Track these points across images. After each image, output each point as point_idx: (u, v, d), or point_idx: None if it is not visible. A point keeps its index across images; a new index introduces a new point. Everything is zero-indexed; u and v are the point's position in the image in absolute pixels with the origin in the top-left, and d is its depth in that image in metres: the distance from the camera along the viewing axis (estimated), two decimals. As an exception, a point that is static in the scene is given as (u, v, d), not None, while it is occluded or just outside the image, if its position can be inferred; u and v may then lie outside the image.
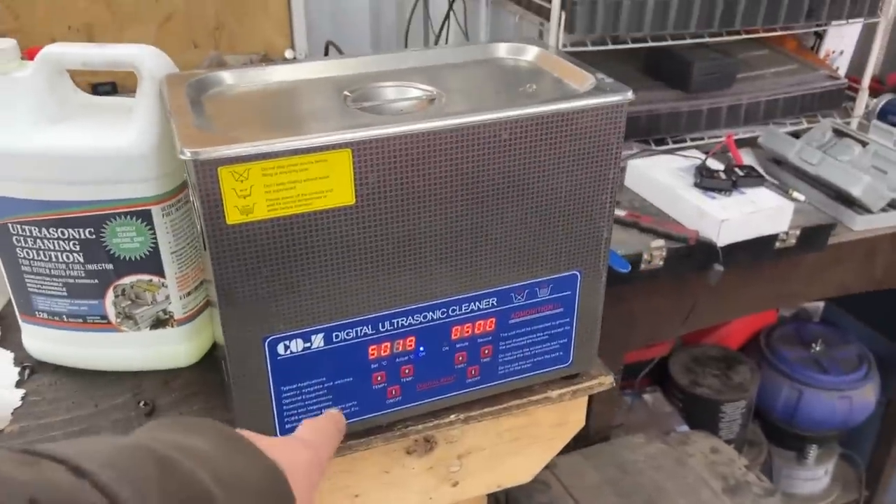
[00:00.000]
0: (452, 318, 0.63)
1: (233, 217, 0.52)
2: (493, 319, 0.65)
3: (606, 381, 0.74)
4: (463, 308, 0.63)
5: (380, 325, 0.61)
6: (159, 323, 0.70)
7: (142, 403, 0.69)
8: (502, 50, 0.71)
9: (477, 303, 0.64)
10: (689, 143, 1.37)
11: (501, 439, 0.76)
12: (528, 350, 0.68)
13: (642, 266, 1.06)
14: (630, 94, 0.59)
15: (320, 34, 1.41)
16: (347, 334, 0.60)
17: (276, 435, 0.62)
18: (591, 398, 0.80)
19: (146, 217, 0.65)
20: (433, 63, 0.69)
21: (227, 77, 0.63)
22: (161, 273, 0.68)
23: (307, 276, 0.56)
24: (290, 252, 0.55)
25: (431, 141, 0.55)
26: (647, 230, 1.09)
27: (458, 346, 0.65)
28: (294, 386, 0.60)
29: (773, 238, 1.13)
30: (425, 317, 0.62)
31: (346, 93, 0.62)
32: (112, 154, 0.62)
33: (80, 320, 0.69)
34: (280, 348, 0.58)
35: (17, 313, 0.71)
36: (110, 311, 0.69)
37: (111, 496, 0.27)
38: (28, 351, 0.73)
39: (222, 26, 1.37)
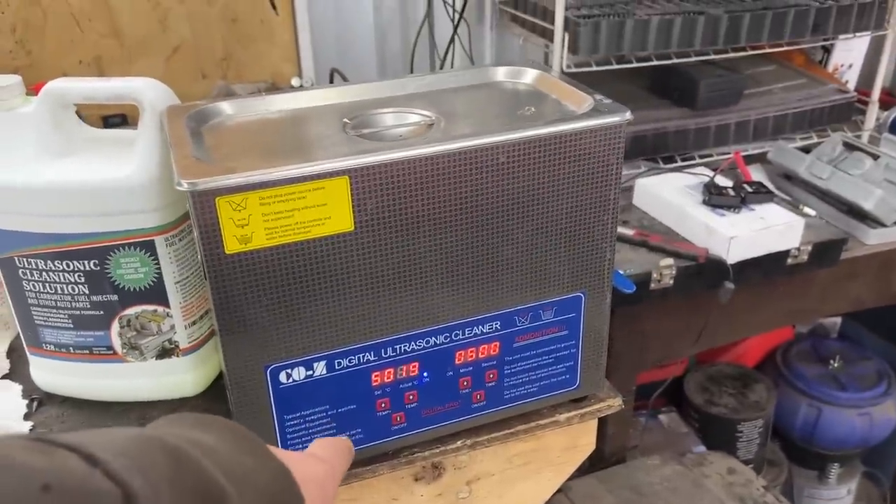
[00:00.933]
0: (456, 343, 0.63)
1: (231, 246, 0.52)
2: (497, 343, 0.65)
3: (615, 403, 0.73)
4: (466, 332, 0.63)
5: (382, 351, 0.61)
6: (165, 353, 0.70)
7: (148, 434, 0.69)
8: (501, 73, 0.71)
9: (480, 327, 0.63)
10: (697, 161, 1.37)
11: (511, 464, 0.75)
12: (533, 373, 0.68)
13: (652, 285, 1.06)
14: (628, 115, 0.59)
15: (326, 61, 1.42)
16: (350, 361, 0.60)
17: (280, 464, 0.61)
18: (604, 420, 0.79)
19: (149, 248, 0.65)
20: (433, 88, 0.70)
21: (227, 107, 0.64)
22: (166, 303, 0.68)
23: (308, 304, 0.56)
24: (290, 280, 0.55)
25: (429, 166, 0.55)
26: (655, 249, 1.09)
27: (462, 370, 0.64)
28: (297, 414, 0.60)
29: (784, 254, 1.12)
30: (428, 342, 0.62)
31: (345, 120, 0.62)
32: (114, 185, 0.62)
33: (87, 351, 0.69)
34: (282, 376, 0.58)
35: (24, 346, 0.72)
36: (116, 342, 0.69)
37: (123, 485, 0.27)
38: (36, 383, 0.74)
39: (230, 56, 1.38)
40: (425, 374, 0.63)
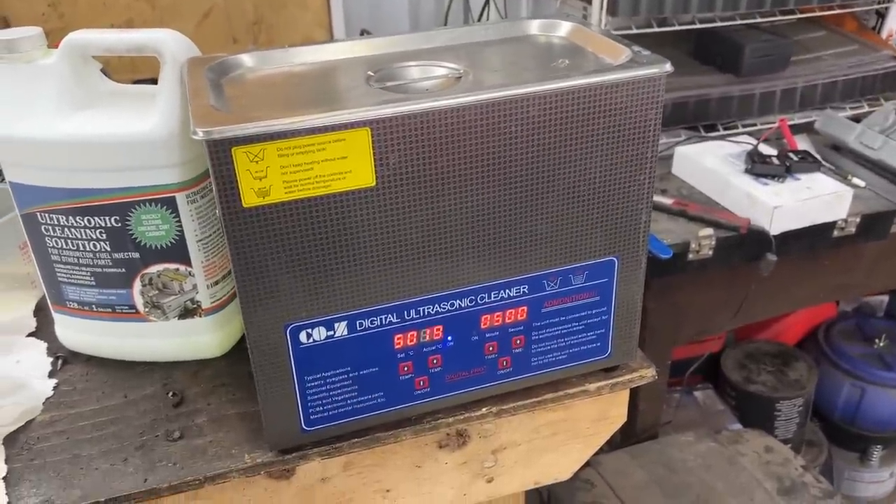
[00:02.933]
0: (481, 307, 0.61)
1: (249, 200, 0.50)
2: (525, 308, 0.62)
3: (648, 373, 0.70)
4: (492, 296, 0.61)
5: (405, 312, 0.59)
6: (187, 313, 0.69)
7: (170, 394, 0.68)
8: (534, 27, 0.68)
9: (507, 290, 0.61)
10: (740, 130, 1.32)
11: (538, 434, 0.73)
12: (562, 340, 0.65)
13: (690, 256, 1.02)
14: (668, 67, 0.56)
15: (358, 25, 1.39)
16: (371, 322, 0.58)
17: (300, 425, 0.60)
18: (637, 394, 0.77)
19: (171, 204, 0.64)
20: (462, 42, 0.67)
21: (249, 60, 0.62)
22: (188, 262, 0.67)
23: (328, 262, 0.54)
24: (310, 236, 0.53)
25: (455, 118, 0.53)
26: (695, 219, 1.05)
27: (487, 335, 0.62)
28: (318, 375, 0.59)
29: (830, 226, 1.07)
30: (452, 305, 0.60)
31: (369, 73, 0.60)
32: (134, 140, 0.61)
33: (109, 310, 0.69)
34: (302, 336, 0.57)
35: (49, 304, 0.72)
36: (138, 301, 0.68)
37: None
38: (61, 341, 0.73)
39: (261, 20, 1.36)
40: (449, 337, 0.61)
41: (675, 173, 1.18)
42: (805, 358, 1.52)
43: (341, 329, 0.57)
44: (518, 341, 0.63)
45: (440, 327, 0.60)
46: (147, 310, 0.68)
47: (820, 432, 1.57)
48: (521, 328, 0.63)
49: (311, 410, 0.60)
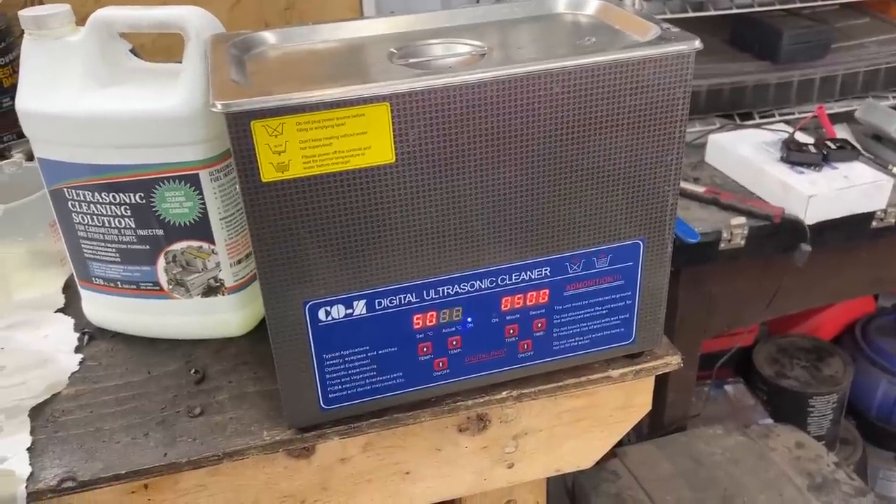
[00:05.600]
0: (502, 288, 0.60)
1: (268, 174, 0.50)
2: (547, 291, 0.61)
3: (673, 361, 0.69)
4: (513, 277, 0.60)
5: (424, 293, 0.58)
6: (210, 291, 0.69)
7: (192, 371, 0.69)
8: (561, 4, 0.66)
9: (528, 272, 0.60)
10: (777, 119, 1.29)
11: (560, 421, 0.72)
12: (585, 325, 0.64)
13: (722, 245, 1.00)
14: (697, 44, 0.54)
15: (389, 9, 1.39)
16: (391, 301, 0.58)
17: (319, 404, 0.60)
18: (666, 385, 0.75)
19: (194, 182, 0.64)
20: (488, 20, 0.66)
21: (272, 37, 0.62)
22: (211, 240, 0.67)
23: (346, 239, 0.54)
24: (328, 212, 0.52)
25: (476, 95, 0.52)
26: (727, 207, 1.02)
27: (508, 318, 0.61)
28: (336, 353, 0.58)
29: (868, 216, 1.04)
30: (472, 286, 0.59)
31: (391, 50, 0.59)
32: (158, 116, 0.61)
33: (134, 286, 0.69)
34: (321, 314, 0.56)
35: (76, 280, 0.72)
36: (162, 278, 0.68)
37: None
38: (87, 317, 0.74)
39: (293, 5, 1.37)
40: (469, 319, 0.60)
41: (709, 161, 1.16)
42: (840, 354, 1.48)
43: (360, 307, 0.57)
44: (539, 324, 0.62)
45: (460, 308, 0.60)
46: (171, 287, 0.69)
47: (854, 430, 1.53)
48: (543, 311, 0.62)
49: (329, 389, 0.60)
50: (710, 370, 1.36)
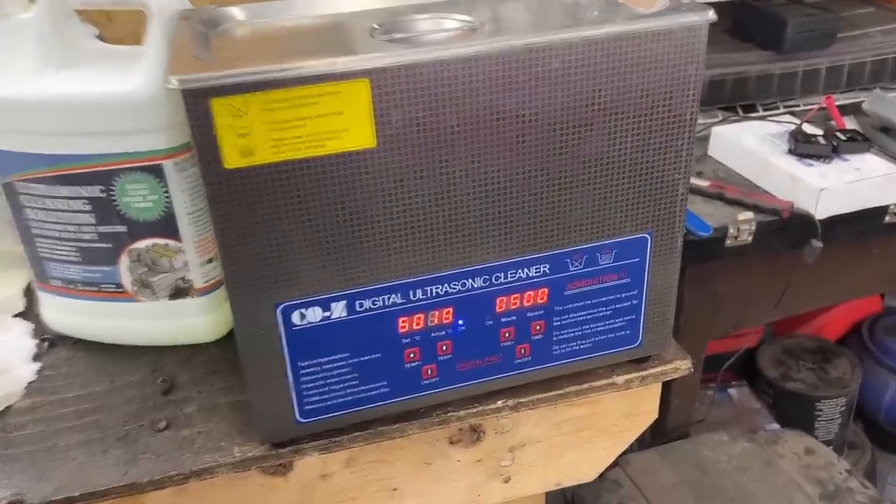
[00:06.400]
0: (497, 288, 0.54)
1: (232, 160, 0.45)
2: (546, 290, 0.56)
3: (683, 366, 0.63)
4: (509, 275, 0.54)
5: (410, 293, 0.52)
6: (178, 293, 0.64)
7: (159, 381, 0.63)
8: (560, -22, 0.61)
9: (525, 269, 0.54)
10: (781, 111, 1.23)
11: (560, 431, 0.67)
12: (587, 327, 0.58)
13: (728, 242, 0.94)
14: (711, 14, 0.49)
15: None
16: (373, 303, 0.52)
17: (294, 417, 0.54)
18: (669, 390, 0.70)
19: (158, 173, 0.58)
20: (479, -5, 0.60)
21: (243, 12, 0.56)
22: (178, 237, 0.61)
23: (322, 233, 0.48)
24: (301, 203, 0.47)
25: (467, 71, 0.46)
26: (733, 202, 0.97)
27: (503, 320, 0.56)
28: (313, 361, 0.53)
29: (881, 211, 0.98)
30: (464, 285, 0.53)
31: (373, 25, 0.53)
32: (117, 100, 0.55)
33: (95, 288, 0.64)
34: (295, 317, 0.51)
35: (34, 282, 0.67)
36: (125, 279, 0.63)
37: None
38: (46, 322, 0.68)
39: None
40: (460, 321, 0.55)
41: (712, 155, 1.11)
42: (848, 355, 1.43)
43: (339, 310, 0.51)
44: (538, 327, 0.57)
45: (450, 310, 0.54)
46: (135, 289, 0.63)
47: (863, 434, 1.48)
48: (542, 312, 0.56)
49: (306, 400, 0.54)
50: (713, 373, 1.30)
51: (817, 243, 0.94)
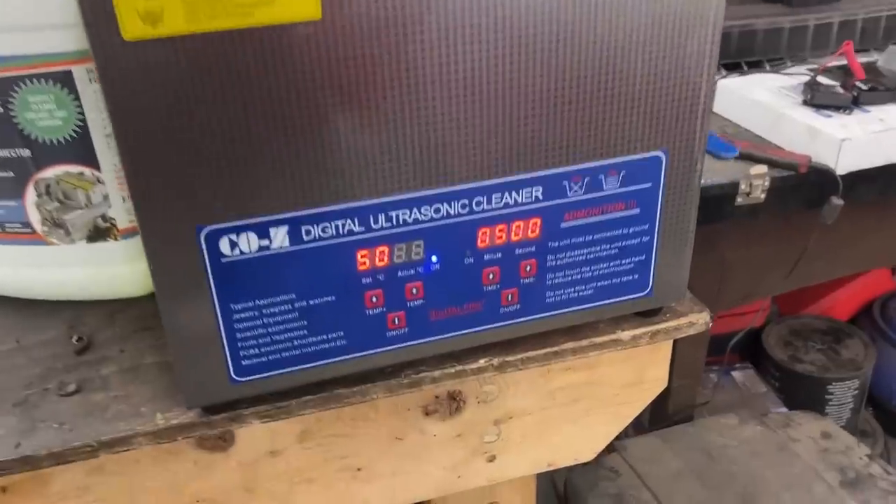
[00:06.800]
0: (478, 216, 0.44)
1: (132, 28, 0.34)
2: (538, 220, 0.46)
3: (700, 319, 0.54)
4: (493, 201, 0.44)
5: (371, 219, 0.42)
6: (98, 234, 0.53)
7: (75, 339, 0.53)
8: None
9: (514, 194, 0.44)
10: (790, 68, 1.14)
11: (553, 401, 0.57)
12: (588, 270, 0.48)
13: (739, 200, 0.85)
14: None
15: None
16: (324, 231, 0.42)
17: (228, 374, 0.44)
18: (671, 368, 0.60)
19: (67, 82, 0.48)
20: None
21: None
22: (95, 164, 0.51)
23: (253, 134, 0.38)
24: (225, 91, 0.37)
25: (437, -78, 0.36)
26: (744, 157, 0.87)
27: (486, 257, 0.46)
28: (249, 304, 0.42)
29: (908, 167, 0.89)
30: (438, 211, 0.43)
31: None
32: (9, -15, 0.45)
33: (-2, 229, 0.53)
34: (224, 245, 0.40)
35: (-70, 224, 0.56)
36: (33, 216, 0.52)
37: None
38: (-55, 273, 0.58)
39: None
40: (434, 258, 0.45)
41: (718, 111, 1.01)
42: (860, 335, 1.34)
43: (280, 238, 0.41)
44: (528, 268, 0.47)
45: (421, 243, 0.44)
46: (46, 229, 0.53)
47: (874, 420, 1.39)
48: (533, 249, 0.46)
49: (242, 354, 0.44)
50: (716, 355, 1.21)
51: (837, 201, 0.84)
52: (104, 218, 0.53)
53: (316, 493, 0.54)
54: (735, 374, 1.29)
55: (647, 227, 0.48)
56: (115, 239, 0.53)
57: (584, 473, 0.96)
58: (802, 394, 1.26)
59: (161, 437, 0.45)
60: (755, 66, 1.14)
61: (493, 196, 0.44)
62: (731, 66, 1.15)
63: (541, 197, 0.45)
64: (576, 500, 0.94)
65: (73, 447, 0.44)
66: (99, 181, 0.51)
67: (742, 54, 1.13)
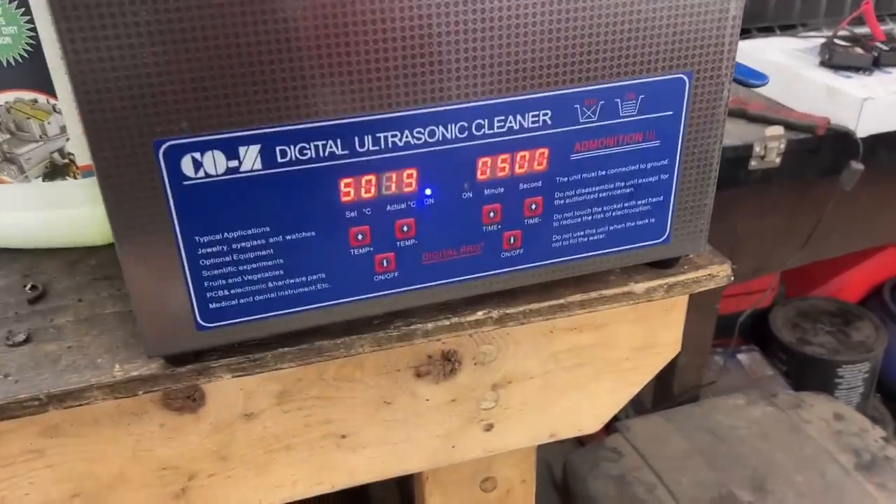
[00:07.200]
0: (478, 142, 0.39)
1: None
2: (545, 151, 0.41)
3: (721, 272, 0.49)
4: (496, 124, 0.39)
5: (356, 140, 0.37)
6: (56, 171, 0.48)
7: (28, 287, 0.47)
8: None
9: (519, 117, 0.39)
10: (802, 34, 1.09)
11: (557, 364, 0.52)
12: (599, 211, 0.43)
13: (753, 164, 0.80)
14: None
15: None
16: (302, 152, 0.37)
17: (194, 319, 0.39)
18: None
19: (15, -8, 0.42)
20: None
21: None
22: (50, 89, 0.45)
23: (218, 28, 0.33)
24: (185, -24, 0.31)
25: None
26: (757, 119, 0.83)
27: (487, 192, 0.41)
28: (217, 237, 0.37)
29: (930, 132, 0.85)
30: (433, 134, 0.38)
31: None
32: None
33: (-57, 164, 0.48)
34: (186, 166, 0.35)
35: None
36: (-18, 150, 0.47)
37: None
38: None
39: None
40: (428, 190, 0.39)
41: (729, 76, 0.96)
42: (871, 317, 1.29)
43: (251, 158, 0.36)
44: (533, 206, 0.42)
45: (413, 171, 0.39)
46: (-4, 165, 0.47)
47: (882, 406, 1.35)
48: (539, 184, 0.41)
49: (209, 296, 0.38)
50: (721, 337, 1.16)
51: (857, 165, 0.80)
52: (62, 153, 0.47)
53: (296, 463, 0.49)
54: (741, 356, 1.24)
55: (666, 162, 0.43)
56: (75, 177, 0.48)
57: (584, 454, 0.92)
58: (811, 377, 1.22)
59: (119, 391, 0.40)
60: (766, 32, 1.09)
61: (496, 119, 0.39)
62: (742, 31, 1.10)
63: (549, 122, 0.40)
64: (575, 481, 0.90)
65: (18, 399, 0.39)
66: (55, 110, 0.46)
67: (753, 20, 1.09)
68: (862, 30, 0.95)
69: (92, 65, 0.32)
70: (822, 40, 0.94)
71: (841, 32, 0.94)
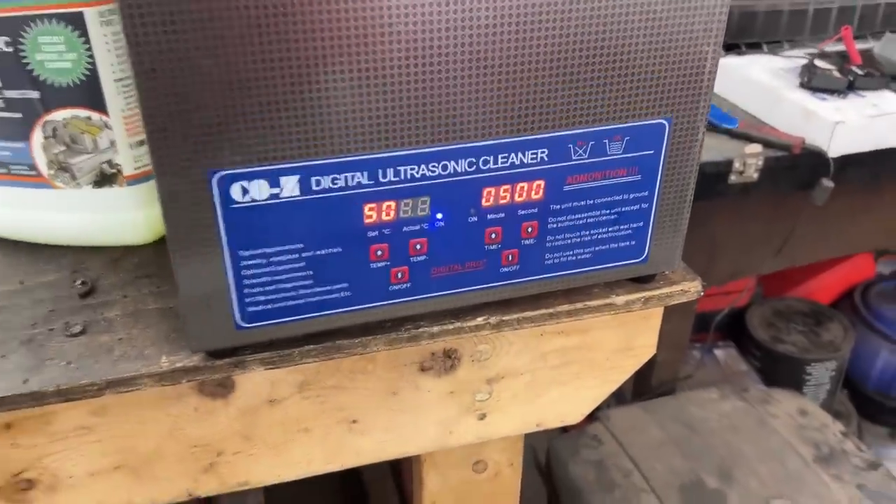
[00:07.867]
0: (484, 175, 0.45)
1: (155, -30, 0.35)
2: (542, 183, 0.47)
3: (692, 287, 0.55)
4: (500, 160, 0.45)
5: (380, 173, 0.43)
6: (104, 179, 0.54)
7: (78, 283, 0.53)
8: None
9: (520, 154, 0.45)
10: (788, 50, 1.15)
11: (545, 363, 0.58)
12: (587, 234, 0.50)
13: (732, 178, 0.86)
14: None
15: None
16: (333, 182, 0.43)
17: (234, 320, 0.45)
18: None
19: (78, 23, 0.48)
20: None
21: None
22: (103, 108, 0.51)
23: (268, 77, 0.39)
24: (238, 34, 0.37)
25: None
26: (739, 136, 0.89)
27: (490, 217, 0.47)
28: (258, 251, 0.43)
29: (898, 152, 0.91)
30: (446, 168, 0.44)
31: None
32: (24, -77, 0.45)
33: (3, 170, 0.53)
34: (235, 192, 0.41)
35: (-66, 164, 0.56)
36: (39, 159, 0.53)
37: None
38: (-52, 213, 0.58)
39: None
40: (439, 215, 0.46)
41: (715, 90, 1.02)
42: (841, 319, 1.37)
43: (291, 187, 0.42)
44: (529, 229, 0.48)
45: (427, 199, 0.45)
46: (52, 172, 0.53)
47: (849, 402, 1.43)
48: (535, 211, 0.47)
49: (249, 301, 0.44)
50: (700, 332, 1.23)
51: (828, 183, 0.86)
52: (110, 164, 0.53)
53: (312, 443, 0.55)
54: (717, 352, 1.32)
55: (646, 193, 0.49)
56: (121, 185, 0.54)
57: (567, 441, 0.98)
58: (782, 373, 1.29)
59: (165, 380, 0.46)
60: (753, 48, 1.15)
61: (500, 155, 0.45)
62: (730, 46, 1.16)
63: (546, 159, 0.46)
64: (557, 466, 0.97)
65: (81, 384, 0.45)
66: (106, 126, 0.52)
67: (741, 35, 1.14)
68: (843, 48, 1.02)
69: (160, 109, 0.38)
70: (806, 60, 0.99)
71: (825, 48, 1.00)
